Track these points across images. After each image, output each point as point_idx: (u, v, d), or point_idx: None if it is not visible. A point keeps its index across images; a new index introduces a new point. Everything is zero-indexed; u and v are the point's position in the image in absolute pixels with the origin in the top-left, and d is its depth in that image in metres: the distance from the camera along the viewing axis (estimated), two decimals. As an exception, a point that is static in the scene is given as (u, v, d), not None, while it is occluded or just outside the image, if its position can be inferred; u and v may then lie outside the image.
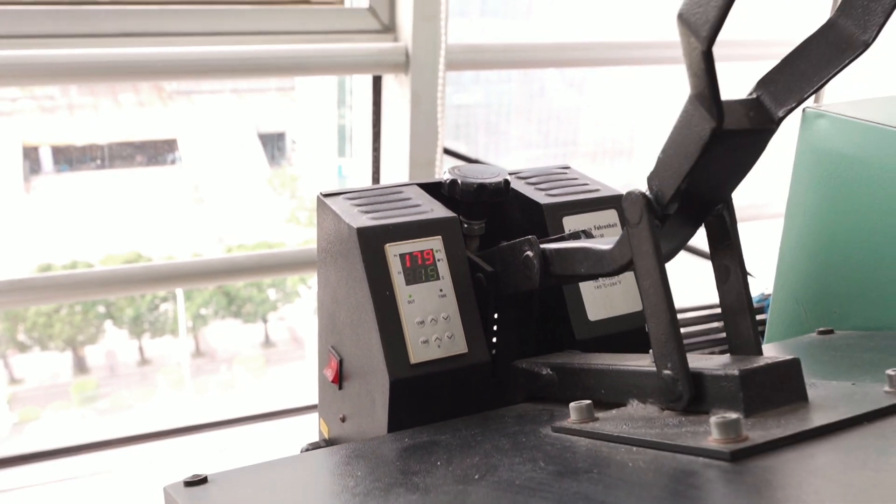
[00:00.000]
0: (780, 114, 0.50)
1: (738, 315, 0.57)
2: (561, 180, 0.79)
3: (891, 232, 0.74)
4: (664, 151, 0.52)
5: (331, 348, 0.74)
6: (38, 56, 1.41)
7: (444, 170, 1.63)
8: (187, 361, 5.15)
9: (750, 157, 0.52)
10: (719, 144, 0.49)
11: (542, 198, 0.75)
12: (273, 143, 5.37)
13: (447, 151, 1.74)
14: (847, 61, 0.48)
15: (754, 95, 0.51)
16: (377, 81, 1.69)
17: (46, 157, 4.80)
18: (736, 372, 0.50)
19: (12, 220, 4.67)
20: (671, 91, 2.66)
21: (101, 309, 4.91)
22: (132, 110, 4.79)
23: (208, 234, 5.07)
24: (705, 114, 0.48)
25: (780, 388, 0.51)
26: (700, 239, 0.61)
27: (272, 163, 5.25)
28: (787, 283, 0.85)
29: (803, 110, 0.81)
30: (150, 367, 5.04)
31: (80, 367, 4.98)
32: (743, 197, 1.88)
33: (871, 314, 0.78)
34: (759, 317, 1.61)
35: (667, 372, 0.53)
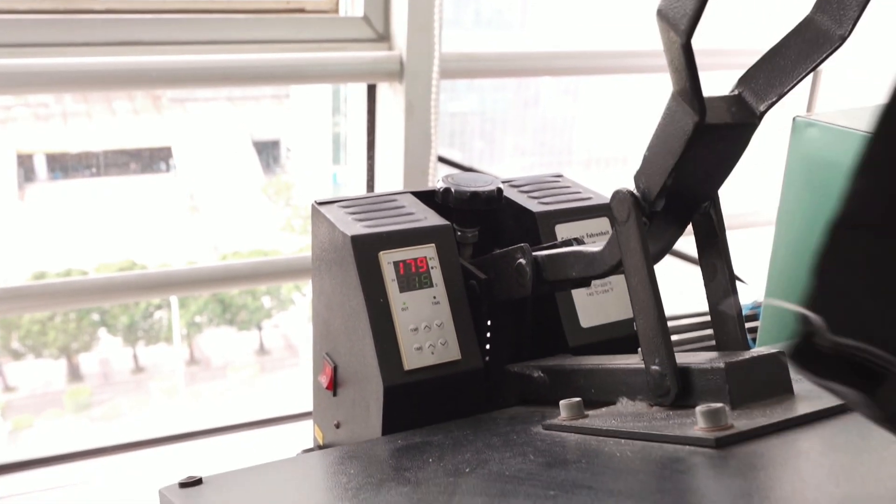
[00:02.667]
0: (762, 108, 0.52)
1: (725, 312, 0.59)
2: (553, 188, 0.80)
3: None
4: (649, 149, 0.53)
5: (325, 355, 0.75)
6: (33, 65, 1.41)
7: (438, 178, 1.64)
8: (181, 369, 5.14)
9: (733, 152, 0.53)
10: (702, 139, 0.50)
11: (534, 206, 0.76)
12: (268, 151, 5.38)
13: (441, 159, 1.74)
14: (824, 56, 0.49)
15: (736, 92, 0.53)
16: (371, 90, 1.70)
17: (41, 165, 4.79)
18: (721, 365, 0.51)
19: (7, 227, 4.67)
20: (665, 99, 2.68)
21: (96, 317, 4.90)
22: (126, 118, 4.80)
23: (203, 242, 5.07)
24: (688, 109, 0.50)
25: (766, 380, 0.52)
26: (692, 245, 0.62)
27: (267, 171, 5.25)
28: (779, 288, 0.86)
29: (794, 119, 0.82)
30: (145, 375, 5.03)
31: (74, 374, 4.97)
32: (734, 205, 1.89)
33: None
34: (751, 324, 1.62)
35: (655, 367, 0.54)
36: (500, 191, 0.75)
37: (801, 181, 0.81)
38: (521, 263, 0.65)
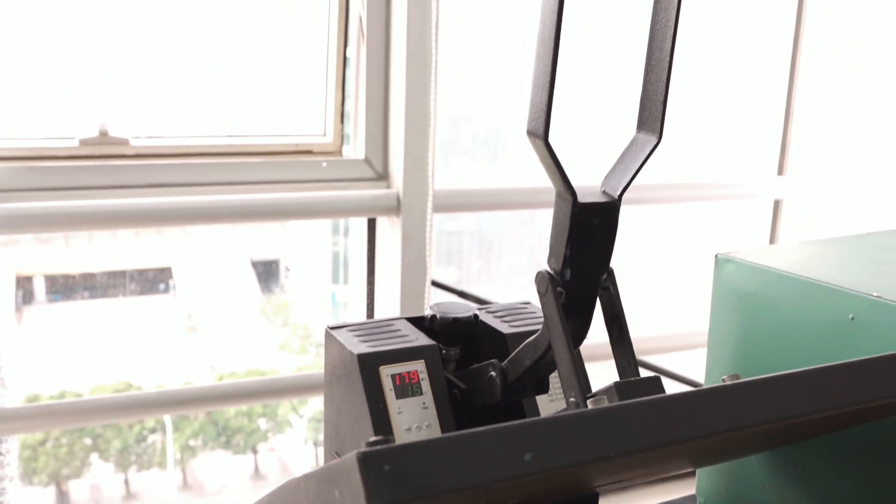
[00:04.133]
0: (618, 193, 0.73)
1: (624, 359, 0.77)
2: (522, 313, 0.97)
3: (792, 364, 0.89)
4: (551, 236, 0.74)
5: (335, 453, 0.90)
6: (70, 206, 1.56)
7: (431, 301, 1.79)
8: (174, 495, 5.07)
9: (608, 229, 0.73)
10: (582, 216, 0.71)
11: (505, 328, 0.92)
12: (267, 271, 5.46)
13: (435, 283, 1.90)
14: (650, 152, 0.73)
15: (602, 189, 0.75)
16: (371, 222, 1.87)
17: (39, 287, 4.85)
18: (613, 385, 0.71)
19: (2, 351, 4.66)
20: (653, 223, 2.85)
21: (88, 441, 4.87)
22: (127, 239, 4.89)
23: (200, 362, 5.10)
24: (566, 196, 0.71)
25: (647, 392, 0.71)
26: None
27: (265, 290, 5.33)
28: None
29: (715, 256, 0.99)
30: (136, 502, 4.96)
31: (64, 502, 4.90)
32: (679, 328, 2.03)
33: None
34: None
35: (571, 399, 0.72)
36: (476, 316, 0.92)
37: (723, 310, 0.97)
38: (492, 375, 0.82)
